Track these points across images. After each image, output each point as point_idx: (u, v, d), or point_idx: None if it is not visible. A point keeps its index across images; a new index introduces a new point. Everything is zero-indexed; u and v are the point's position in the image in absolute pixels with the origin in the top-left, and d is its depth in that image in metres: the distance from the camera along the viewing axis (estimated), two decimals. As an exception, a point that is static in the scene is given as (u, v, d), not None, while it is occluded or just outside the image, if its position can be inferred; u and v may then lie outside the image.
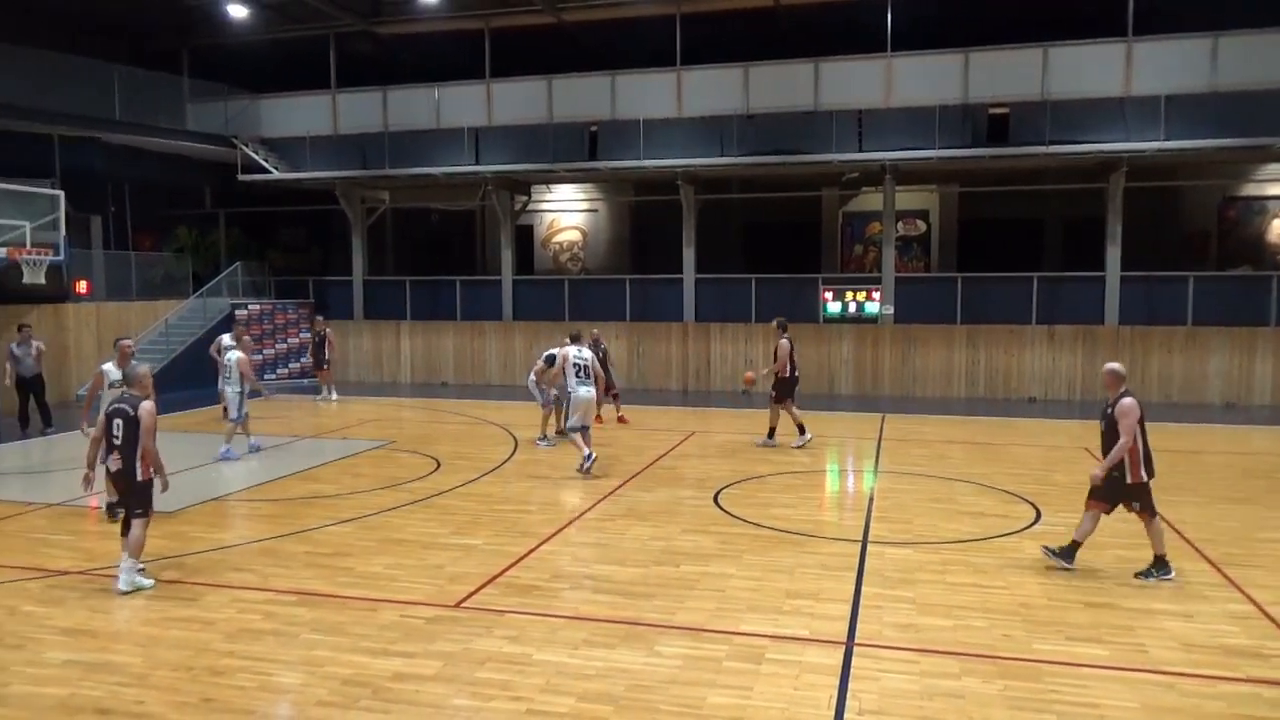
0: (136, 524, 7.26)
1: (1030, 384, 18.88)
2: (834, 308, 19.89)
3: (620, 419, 15.41)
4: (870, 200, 22.09)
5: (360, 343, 22.75)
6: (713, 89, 19.51)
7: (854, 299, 19.81)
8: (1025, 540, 8.50)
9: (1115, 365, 7.69)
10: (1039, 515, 9.42)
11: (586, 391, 11.50)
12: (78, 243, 18.69)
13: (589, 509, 9.76)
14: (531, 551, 8.16)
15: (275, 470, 11.89)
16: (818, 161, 18.97)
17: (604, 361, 14.11)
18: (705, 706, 5.16)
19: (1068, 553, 7.53)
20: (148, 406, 7.24)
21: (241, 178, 21.94)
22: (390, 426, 15.48)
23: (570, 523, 9.24)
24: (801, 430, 13.35)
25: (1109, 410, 7.43)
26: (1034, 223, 22.71)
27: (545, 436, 13.51)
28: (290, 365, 22.15)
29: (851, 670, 5.65)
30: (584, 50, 21.60)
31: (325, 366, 18.86)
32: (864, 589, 7.13)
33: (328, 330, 18.89)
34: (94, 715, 5.13)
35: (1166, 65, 17.41)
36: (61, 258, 15.18)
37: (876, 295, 19.62)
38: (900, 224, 21.84)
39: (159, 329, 20.33)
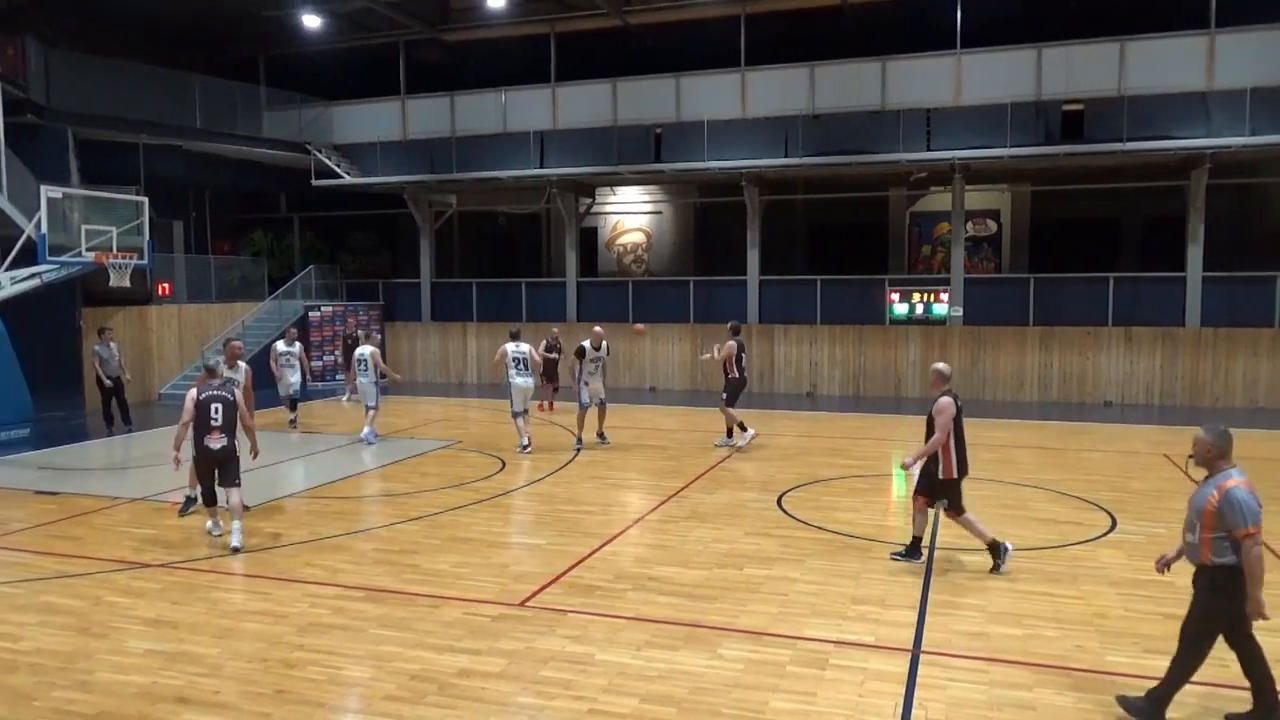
0: (235, 492, 8.42)
1: (1106, 388, 18.35)
2: (901, 309, 19.60)
3: (542, 407, 16.82)
4: (939, 200, 21.71)
5: (428, 344, 23.15)
6: (778, 89, 19.38)
7: (921, 300, 19.49)
8: (1101, 549, 8.26)
9: (940, 365, 7.95)
10: (1115, 523, 9.14)
11: (523, 381, 13.06)
12: (161, 247, 19.36)
13: (651, 510, 9.78)
14: (594, 552, 8.21)
15: (346, 468, 12.16)
16: (885, 161, 18.73)
17: (556, 358, 17.14)
18: (768, 711, 5.13)
19: (912, 550, 7.82)
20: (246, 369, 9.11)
21: (315, 183, 22.50)
22: (456, 427, 15.72)
23: (632, 524, 9.26)
24: (732, 432, 13.40)
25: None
26: (1110, 222, 22.06)
27: (580, 441, 13.45)
28: (335, 356, 22.60)
29: (918, 678, 5.56)
30: (648, 52, 21.65)
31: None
32: (931, 596, 7.00)
33: (360, 332, 19.33)
34: (173, 704, 5.31)
35: (1251, 58, 16.73)
36: (145, 261, 15.72)
37: (945, 297, 19.27)
38: (970, 224, 21.43)
39: (236, 330, 20.95)
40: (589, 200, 23.41)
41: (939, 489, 7.61)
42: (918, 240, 22.92)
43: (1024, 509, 9.80)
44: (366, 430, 13.96)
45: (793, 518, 9.37)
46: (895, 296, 19.65)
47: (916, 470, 7.74)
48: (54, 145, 18.31)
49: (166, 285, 20.55)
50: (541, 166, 21.00)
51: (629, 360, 20.95)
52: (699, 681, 5.51)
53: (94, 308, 18.29)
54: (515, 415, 13.18)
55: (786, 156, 19.12)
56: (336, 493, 10.73)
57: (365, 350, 14.10)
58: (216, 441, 8.35)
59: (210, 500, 8.68)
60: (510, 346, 13.22)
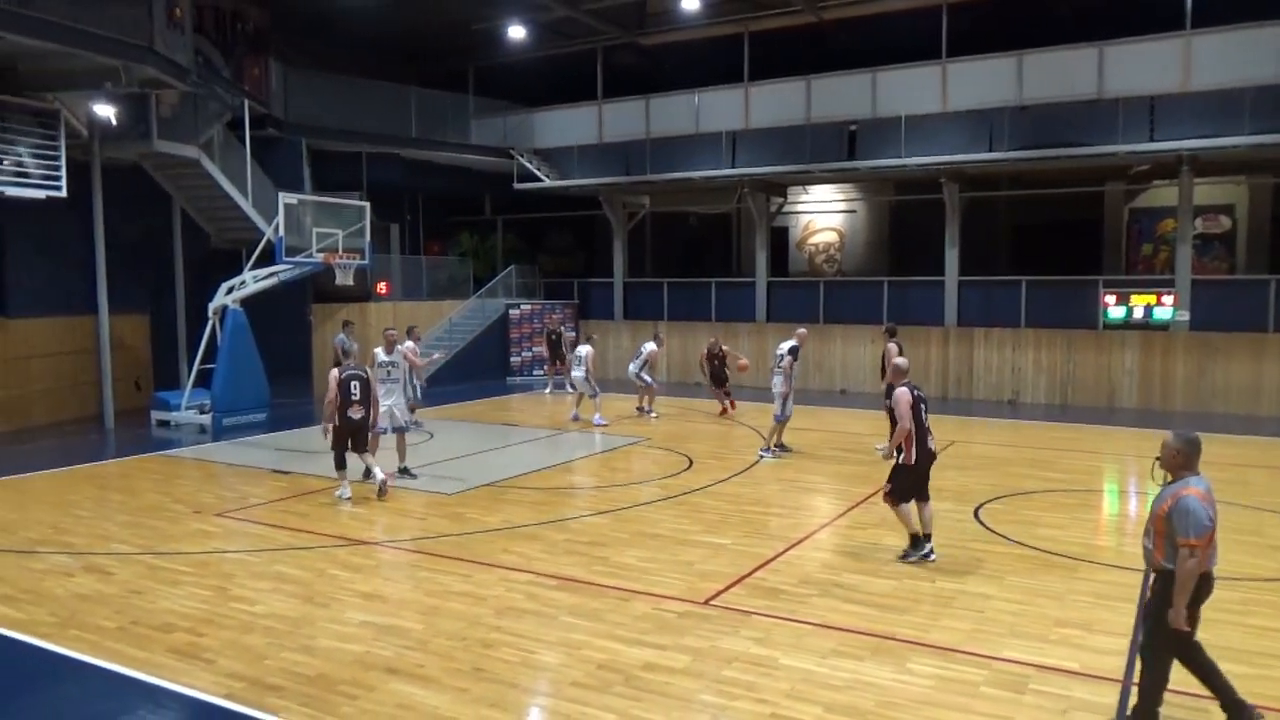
0: (366, 455, 10.08)
1: (1363, 403, 16.29)
2: (1116, 313, 18.19)
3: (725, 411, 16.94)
4: (1163, 195, 20.00)
5: (620, 342, 23.68)
6: (982, 80, 18.44)
7: (1141, 304, 18.01)
8: (1351, 584, 7.37)
9: (900, 360, 8.65)
10: (1371, 556, 8.13)
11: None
12: (379, 248, 20.89)
13: (840, 515, 9.60)
14: (779, 555, 8.15)
15: (541, 460, 12.67)
16: (1101, 154, 17.41)
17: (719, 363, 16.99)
18: (959, 731, 4.94)
19: (915, 546, 7.91)
20: (409, 345, 10.47)
21: (517, 186, 23.54)
22: (645, 424, 16.02)
23: (820, 528, 9.13)
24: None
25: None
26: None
27: (770, 449, 12.89)
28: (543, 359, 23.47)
29: (1128, 711, 5.16)
30: (843, 48, 21.20)
31: (560, 362, 19.86)
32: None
33: (562, 329, 19.92)
34: (383, 673, 5.74)
35: None
36: (366, 262, 17.01)
37: (1168, 299, 17.72)
38: (1199, 220, 19.57)
39: (444, 326, 22.29)
40: (780, 200, 23.21)
41: (900, 476, 7.94)
42: (1137, 238, 21.19)
43: (1259, 535, 8.89)
44: (597, 417, 15.68)
45: (990, 531, 8.93)
46: (1111, 299, 18.26)
47: (912, 458, 7.90)
48: (290, 155, 20.16)
49: (384, 284, 22.16)
50: (733, 166, 21.02)
51: (818, 362, 20.61)
52: (886, 695, 5.36)
53: (322, 304, 19.98)
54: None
55: (990, 151, 18.17)
56: (530, 483, 11.20)
57: (584, 350, 15.90)
58: (356, 413, 9.90)
59: (341, 465, 10.16)
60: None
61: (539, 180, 23.20)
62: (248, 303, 16.06)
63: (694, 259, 26.92)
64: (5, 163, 12.95)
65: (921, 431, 7.89)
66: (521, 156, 23.38)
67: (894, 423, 8.04)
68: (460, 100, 23.72)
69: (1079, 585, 7.29)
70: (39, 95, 13.56)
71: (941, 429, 14.88)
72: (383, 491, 10.10)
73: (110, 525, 9.31)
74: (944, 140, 18.65)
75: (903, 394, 7.93)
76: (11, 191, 13.28)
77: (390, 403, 11.24)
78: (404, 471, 11.29)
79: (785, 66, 20.72)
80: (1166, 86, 16.86)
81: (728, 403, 16.85)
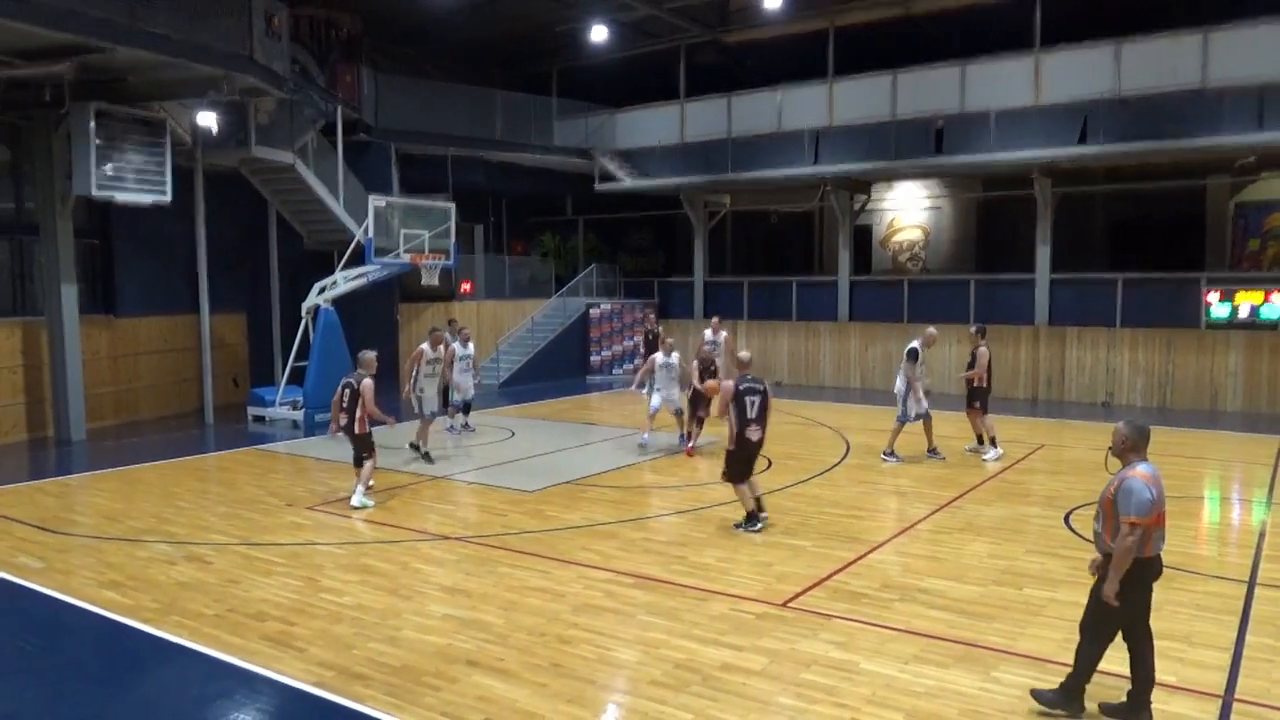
0: (366, 464, 9.98)
1: None
2: (1220, 311, 17.35)
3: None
4: (1271, 188, 19.01)
5: (700, 342, 23.64)
6: (1076, 71, 17.80)
7: (1246, 301, 17.15)
8: None
9: (743, 354, 9.76)
10: None
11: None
12: (464, 249, 21.30)
13: (922, 519, 9.41)
14: (860, 558, 8.04)
15: (620, 459, 12.74)
16: (1205, 147, 16.63)
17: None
18: (1047, 744, 4.79)
19: (751, 520, 8.85)
20: (367, 383, 9.86)
21: (598, 187, 23.71)
22: (723, 423, 15.90)
23: (902, 532, 8.97)
24: (982, 440, 12.83)
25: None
26: None
27: (890, 452, 12.46)
28: (635, 361, 23.56)
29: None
30: (931, 41, 20.73)
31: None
32: (1249, 638, 6.20)
33: (659, 329, 19.87)
34: (464, 665, 5.86)
35: None
36: (452, 262, 17.36)
37: (1277, 297, 16.84)
38: (1313, 214, 18.55)
39: (526, 325, 22.60)
40: (864, 197, 22.84)
41: (731, 461, 8.91)
42: (1243, 233, 20.18)
43: (1376, 548, 8.39)
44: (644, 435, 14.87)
45: (1082, 538, 8.62)
46: (1214, 297, 17.43)
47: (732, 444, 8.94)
48: (379, 159, 20.73)
49: (468, 284, 22.59)
50: (816, 164, 20.76)
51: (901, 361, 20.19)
52: (972, 704, 5.24)
53: (409, 303, 20.47)
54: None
55: (1085, 145, 17.54)
56: (609, 481, 11.27)
57: (674, 357, 14.93)
58: (345, 419, 10.01)
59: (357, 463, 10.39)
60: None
61: (620, 181, 23.32)
62: (339, 302, 16.56)
63: (775, 257, 26.71)
64: (115, 170, 13.61)
65: (744, 422, 8.77)
66: (603, 157, 23.53)
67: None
68: (543, 102, 24.01)
69: (1177, 596, 6.99)
70: (147, 106, 14.24)
71: (1032, 432, 14.50)
72: (357, 506, 9.91)
73: (209, 516, 9.72)
74: (1036, 134, 18.07)
75: (729, 386, 8.97)
76: (122, 197, 13.98)
77: (432, 393, 12.74)
78: (414, 447, 12.57)
79: (870, 61, 20.37)
80: (1277, 74, 16.01)
81: (694, 430, 13.41)
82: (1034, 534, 8.78)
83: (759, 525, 8.91)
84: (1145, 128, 16.97)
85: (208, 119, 15.93)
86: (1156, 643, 6.06)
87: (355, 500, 9.97)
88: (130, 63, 12.90)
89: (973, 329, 13.40)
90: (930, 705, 5.22)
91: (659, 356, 13.37)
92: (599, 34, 22.13)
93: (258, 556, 8.29)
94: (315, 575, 7.72)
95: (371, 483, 10.35)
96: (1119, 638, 5.06)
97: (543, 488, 10.76)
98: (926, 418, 12.49)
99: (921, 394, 12.43)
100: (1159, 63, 16.95)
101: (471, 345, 15.15)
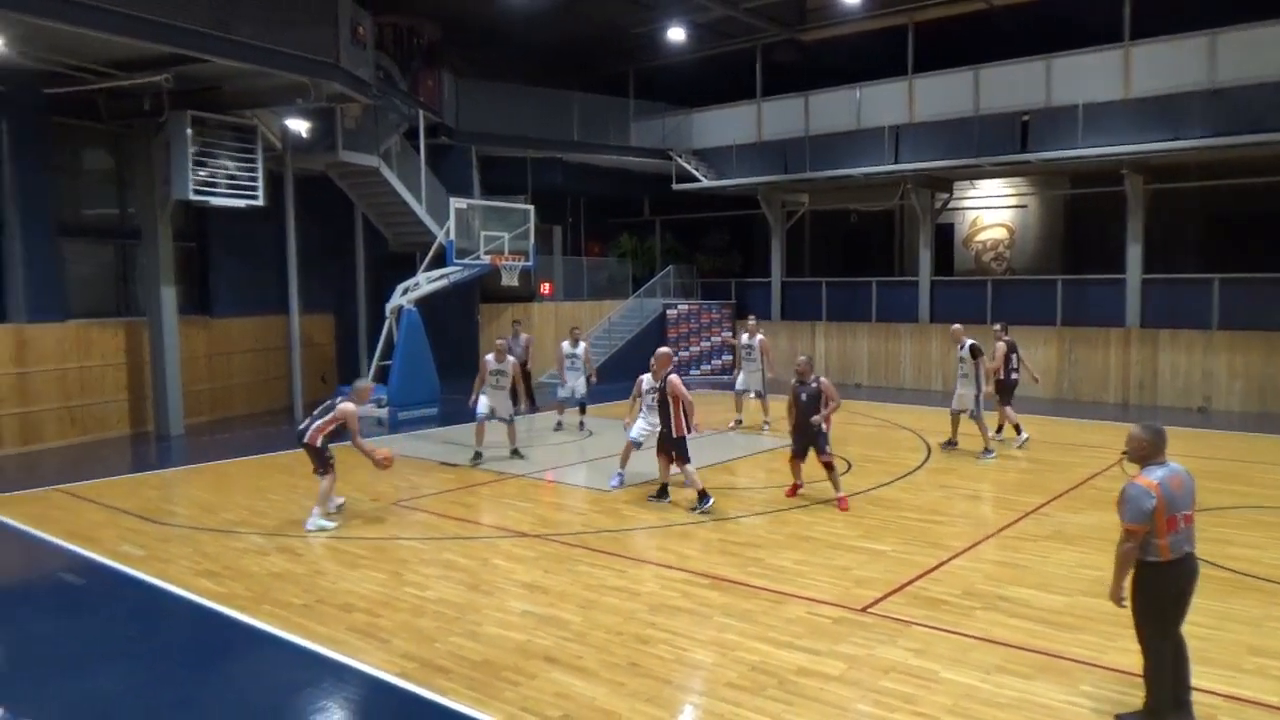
0: (323, 480, 9.27)
1: None
2: (1329, 313, 16.50)
3: None
4: (1387, 182, 18.01)
5: (777, 342, 23.36)
6: (1168, 63, 17.11)
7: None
8: None
9: (663, 349, 10.48)
10: None
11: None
12: (542, 250, 21.57)
13: (1007, 526, 9.19)
14: (942, 564, 7.89)
15: (697, 460, 12.68)
16: (1311, 139, 15.85)
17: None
18: (1137, 760, 4.65)
19: (704, 499, 9.64)
20: (348, 407, 9.30)
21: (675, 187, 23.73)
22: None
23: (986, 538, 8.77)
24: (1006, 428, 13.34)
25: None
26: None
27: (986, 449, 12.51)
28: (712, 362, 23.54)
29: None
30: (1015, 35, 20.18)
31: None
32: (1358, 657, 5.90)
33: (760, 334, 19.59)
34: (543, 662, 5.94)
35: None
36: (530, 264, 17.61)
37: (1392, 298, 15.95)
38: None
39: (604, 326, 22.77)
40: (946, 195, 22.37)
41: (670, 444, 9.93)
42: (1355, 231, 19.15)
43: None
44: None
45: (1176, 548, 8.32)
46: (1320, 298, 16.59)
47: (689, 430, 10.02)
48: (460, 162, 21.14)
49: (547, 285, 22.87)
50: (896, 162, 20.42)
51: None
52: (1056, 717, 5.11)
53: (489, 304, 20.82)
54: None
55: (1178, 140, 16.85)
56: (686, 482, 11.26)
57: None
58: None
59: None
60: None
61: (697, 180, 23.31)
62: (421, 303, 16.94)
63: (854, 257, 26.35)
64: (210, 175, 14.17)
65: (689, 410, 9.93)
66: (680, 157, 23.55)
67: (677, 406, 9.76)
68: (620, 104, 24.15)
69: (1278, 611, 6.69)
70: (239, 113, 14.79)
71: (1123, 437, 13.99)
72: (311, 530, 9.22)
73: (298, 510, 10.03)
74: (1126, 129, 17.45)
75: (676, 380, 9.87)
76: (217, 202, 14.56)
77: (494, 404, 12.59)
78: (478, 456, 12.53)
79: (952, 56, 19.95)
80: (1391, 62, 15.15)
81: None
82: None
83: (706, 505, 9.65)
84: (1242, 120, 16.23)
85: (297, 125, 16.48)
86: (1257, 660, 5.83)
87: (310, 524, 9.15)
88: (224, 72, 13.43)
89: (995, 326, 13.99)
90: (1013, 717, 5.11)
91: (646, 378, 10.66)
92: (675, 35, 22.17)
93: (344, 549, 8.54)
94: (399, 569, 7.92)
95: (341, 501, 9.83)
96: (1144, 644, 5.03)
97: (620, 487, 10.83)
98: (965, 412, 12.86)
99: (963, 388, 12.83)
100: (1257, 53, 16.18)
101: (582, 345, 15.25)
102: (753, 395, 15.52)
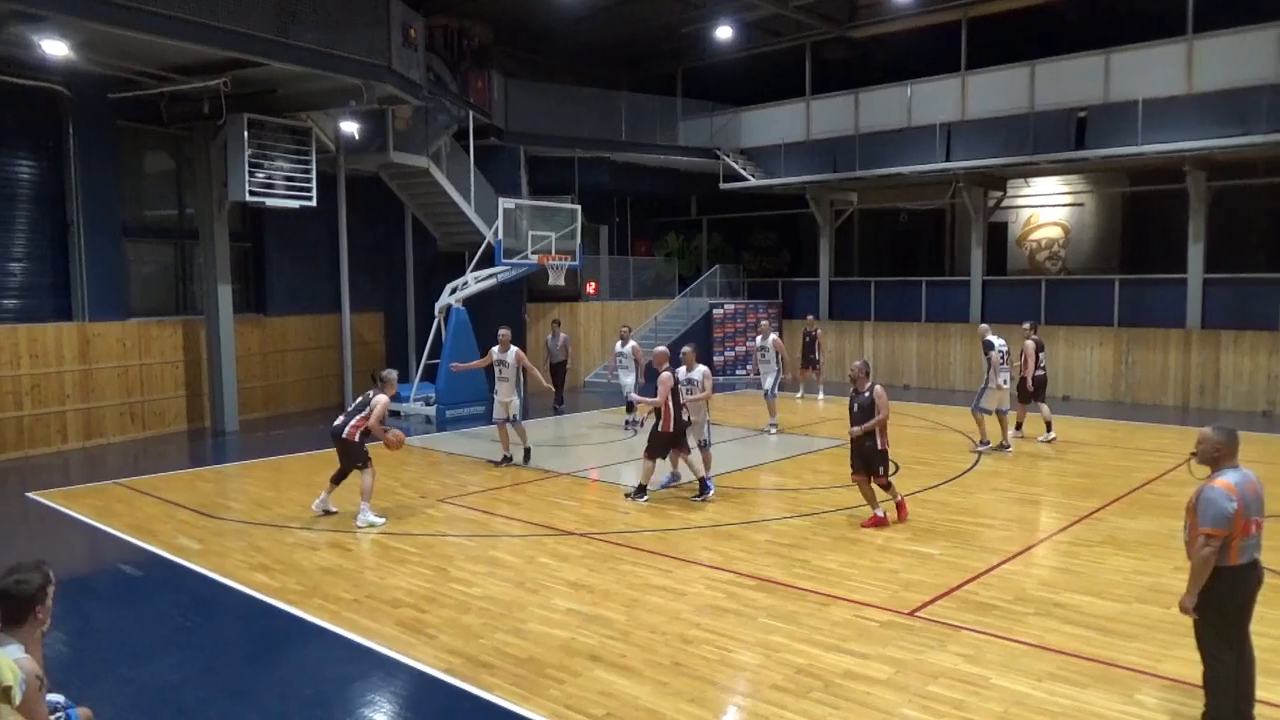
0: (365, 476, 9.45)
1: None
2: (1402, 314, 15.90)
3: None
4: None
5: (825, 342, 23.28)
6: (1233, 57, 16.59)
7: None
8: None
9: (660, 348, 10.60)
10: None
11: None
12: (589, 249, 21.63)
13: (1060, 530, 9.01)
14: (992, 569, 7.76)
15: (744, 460, 12.68)
16: (1385, 134, 15.28)
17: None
18: (1195, 774, 4.52)
19: (638, 493, 10.17)
20: (381, 398, 9.42)
21: (723, 186, 23.64)
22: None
23: (1038, 543, 8.61)
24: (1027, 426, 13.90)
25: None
26: None
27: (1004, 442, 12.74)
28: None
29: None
30: (1072, 29, 19.76)
31: (814, 366, 19.39)
32: None
33: (818, 330, 19.46)
34: (587, 659, 5.96)
35: None
36: (577, 263, 17.69)
37: None
38: None
39: (649, 325, 22.77)
40: (999, 194, 21.97)
41: (658, 441, 10.10)
42: None
43: None
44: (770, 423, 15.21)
45: (1237, 556, 8.08)
46: (1394, 298, 15.99)
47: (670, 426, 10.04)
48: (509, 162, 21.29)
49: (593, 284, 22.93)
50: (948, 160, 20.12)
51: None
52: (1110, 726, 4.99)
53: (535, 303, 20.95)
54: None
55: (1244, 135, 16.35)
56: (733, 483, 11.23)
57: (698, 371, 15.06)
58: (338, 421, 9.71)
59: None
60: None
61: (745, 180, 23.20)
62: (469, 302, 17.10)
63: (903, 257, 26.02)
64: (266, 176, 14.46)
65: (679, 408, 10.02)
66: (728, 156, 23.47)
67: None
68: (668, 103, 24.13)
69: (1347, 623, 6.46)
70: (294, 115, 15.08)
71: (1182, 441, 13.65)
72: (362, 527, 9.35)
73: (348, 505, 10.19)
74: (1188, 125, 16.97)
75: (667, 377, 10.00)
76: (272, 203, 14.85)
77: (504, 399, 12.33)
78: (507, 459, 12.40)
79: (1006, 52, 19.59)
80: None
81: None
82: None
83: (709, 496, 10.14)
84: (1314, 115, 15.69)
85: (349, 126, 16.74)
86: (1322, 672, 5.63)
87: (360, 520, 9.30)
88: (280, 75, 13.69)
89: (1024, 325, 14.21)
90: (1066, 725, 5.00)
91: (681, 371, 10.76)
92: (724, 34, 22.09)
93: (393, 545, 8.66)
94: (446, 565, 8.01)
95: (334, 510, 9.74)
96: (1205, 650, 4.87)
97: (661, 487, 10.82)
98: (1002, 412, 13.05)
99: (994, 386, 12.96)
100: (1329, 46, 15.64)
101: (631, 344, 15.19)
102: (766, 396, 15.31)
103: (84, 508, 10.21)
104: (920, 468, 11.98)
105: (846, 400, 9.49)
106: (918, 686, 5.50)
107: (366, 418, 9.36)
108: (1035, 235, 23.77)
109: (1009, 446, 12.94)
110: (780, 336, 19.82)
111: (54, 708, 3.85)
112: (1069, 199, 23.19)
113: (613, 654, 6.04)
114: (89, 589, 7.74)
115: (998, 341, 13.02)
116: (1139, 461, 12.33)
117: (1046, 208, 23.52)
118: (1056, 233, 23.47)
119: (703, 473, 10.22)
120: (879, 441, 8.99)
